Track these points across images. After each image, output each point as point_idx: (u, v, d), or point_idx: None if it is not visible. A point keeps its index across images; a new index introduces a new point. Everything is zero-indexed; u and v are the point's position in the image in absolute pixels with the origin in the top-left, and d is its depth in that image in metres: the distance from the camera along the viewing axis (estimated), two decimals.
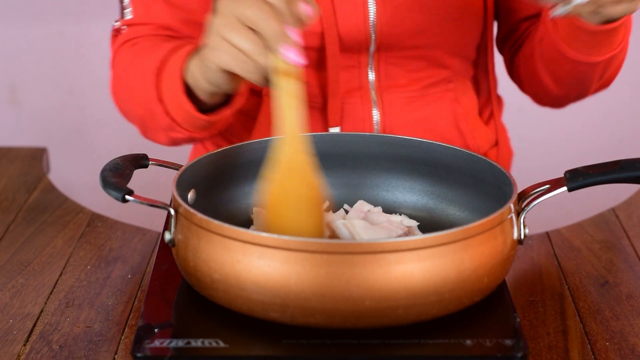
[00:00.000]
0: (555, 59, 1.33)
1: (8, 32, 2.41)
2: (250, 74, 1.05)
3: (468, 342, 0.96)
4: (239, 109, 1.25)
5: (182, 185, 1.06)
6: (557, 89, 1.39)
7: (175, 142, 1.29)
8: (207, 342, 0.96)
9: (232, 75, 1.11)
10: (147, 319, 1.00)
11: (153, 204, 1.01)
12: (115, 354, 1.06)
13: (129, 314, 1.13)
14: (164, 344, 0.95)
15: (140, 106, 1.27)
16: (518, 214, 1.03)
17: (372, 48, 1.33)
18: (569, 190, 1.05)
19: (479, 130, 1.44)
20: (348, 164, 1.18)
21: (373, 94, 1.35)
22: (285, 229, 1.03)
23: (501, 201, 1.04)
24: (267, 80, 1.05)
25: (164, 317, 1.01)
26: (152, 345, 0.95)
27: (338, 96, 1.34)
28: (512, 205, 1.01)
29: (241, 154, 1.14)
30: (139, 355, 0.94)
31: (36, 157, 1.57)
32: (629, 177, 1.06)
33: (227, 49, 1.05)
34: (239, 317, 0.98)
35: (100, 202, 1.47)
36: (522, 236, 1.03)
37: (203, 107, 1.21)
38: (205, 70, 1.13)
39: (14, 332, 1.10)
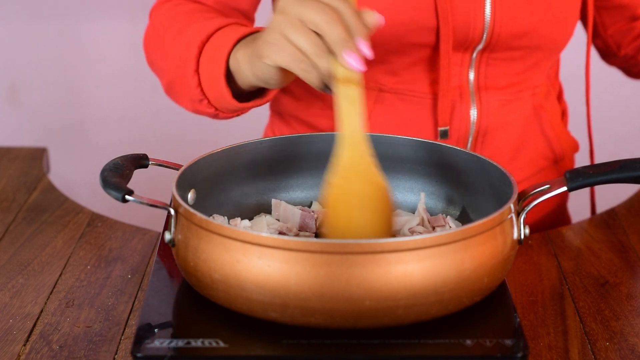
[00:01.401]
0: None
1: (8, 32, 2.41)
2: (308, 75, 1.02)
3: (468, 342, 0.96)
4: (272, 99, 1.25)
5: (182, 185, 1.06)
6: None
7: (197, 113, 1.29)
8: (207, 342, 0.95)
9: (283, 74, 1.09)
10: (147, 319, 1.00)
11: (153, 204, 1.00)
12: (115, 354, 1.06)
13: (129, 314, 1.13)
14: (164, 344, 0.95)
15: (173, 70, 1.26)
16: (518, 214, 1.03)
17: (480, 47, 1.33)
18: (569, 190, 1.05)
19: (564, 135, 1.45)
20: None
21: (472, 93, 1.36)
22: (349, 230, 1.03)
23: (501, 201, 1.04)
24: (324, 84, 1.03)
25: (164, 317, 1.01)
26: (152, 345, 0.95)
27: (449, 95, 1.33)
28: (512, 205, 1.01)
29: (241, 154, 1.14)
30: (139, 355, 0.94)
31: (36, 157, 1.57)
32: (629, 177, 1.06)
33: (287, 47, 1.03)
34: (239, 317, 0.98)
35: (100, 202, 1.47)
36: (522, 236, 1.03)
37: (237, 91, 1.20)
38: (255, 64, 1.11)
39: (14, 332, 1.10)
